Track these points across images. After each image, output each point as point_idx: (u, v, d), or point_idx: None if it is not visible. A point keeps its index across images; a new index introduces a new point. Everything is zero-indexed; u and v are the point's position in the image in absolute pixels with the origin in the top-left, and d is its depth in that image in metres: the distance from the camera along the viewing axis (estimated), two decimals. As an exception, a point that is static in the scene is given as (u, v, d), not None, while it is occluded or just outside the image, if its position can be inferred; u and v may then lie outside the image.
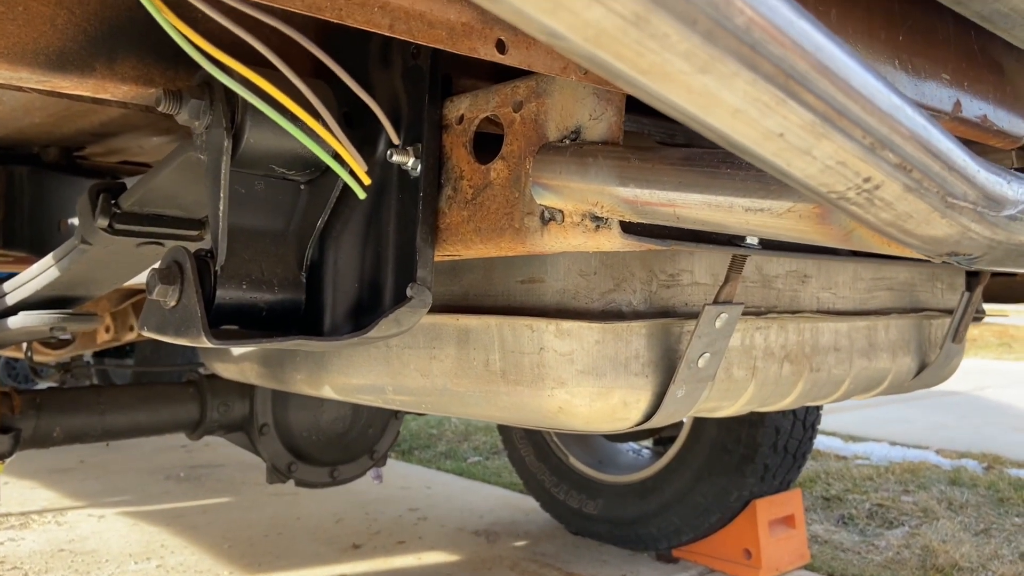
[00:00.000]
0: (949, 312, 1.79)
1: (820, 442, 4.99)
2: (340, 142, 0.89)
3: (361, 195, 0.94)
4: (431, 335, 1.31)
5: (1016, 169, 1.28)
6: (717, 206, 0.74)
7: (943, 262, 0.62)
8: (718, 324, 1.15)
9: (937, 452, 4.92)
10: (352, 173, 0.92)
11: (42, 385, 4.10)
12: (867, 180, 0.47)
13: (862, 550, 3.30)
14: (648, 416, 1.20)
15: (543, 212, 0.92)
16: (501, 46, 0.73)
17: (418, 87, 1.02)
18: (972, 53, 0.99)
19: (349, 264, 1.07)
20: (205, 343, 0.94)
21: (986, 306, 2.22)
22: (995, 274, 2.02)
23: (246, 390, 2.39)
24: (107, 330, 3.08)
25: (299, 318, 1.07)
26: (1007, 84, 1.06)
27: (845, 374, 1.54)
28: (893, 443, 5.15)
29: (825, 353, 1.49)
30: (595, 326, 1.13)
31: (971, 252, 0.57)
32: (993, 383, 8.27)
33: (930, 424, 5.97)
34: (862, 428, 5.70)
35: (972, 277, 1.81)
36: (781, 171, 0.46)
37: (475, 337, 1.24)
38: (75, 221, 1.84)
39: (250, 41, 0.78)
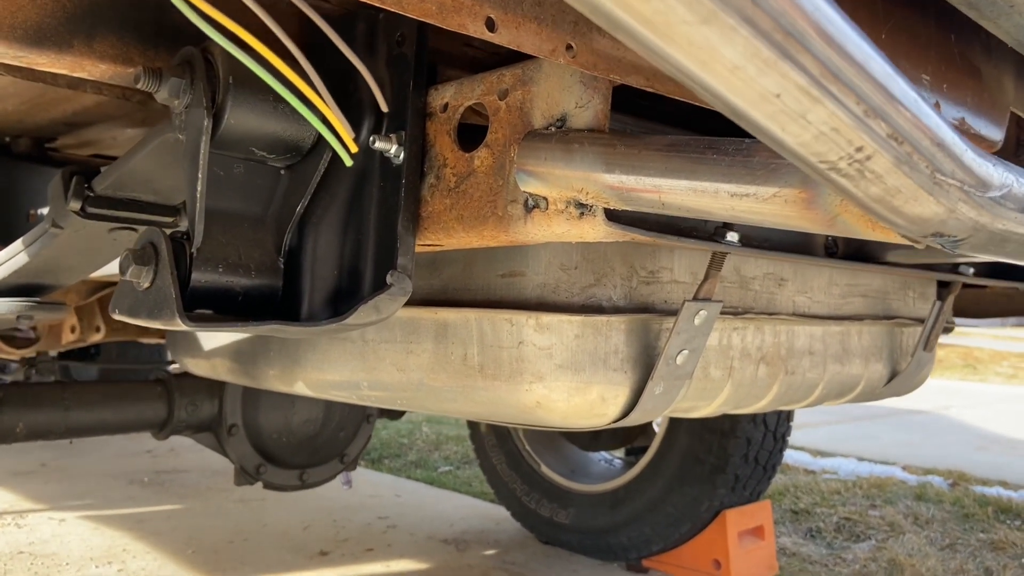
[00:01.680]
0: (920, 321, 1.81)
1: (789, 456, 5.03)
2: (328, 106, 0.88)
3: (348, 162, 0.94)
4: (408, 329, 1.30)
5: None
6: (703, 191, 0.74)
7: (927, 246, 0.62)
8: (697, 321, 1.16)
9: (903, 468, 4.97)
10: (340, 141, 0.91)
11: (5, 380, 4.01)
12: (859, 150, 0.47)
13: (829, 563, 3.31)
14: (626, 412, 1.20)
15: (527, 200, 0.92)
16: (491, 24, 0.72)
17: (403, 74, 1.02)
18: (952, 56, 1.01)
19: (328, 251, 1.05)
20: (179, 325, 0.92)
21: (954, 325, 2.25)
22: (965, 286, 2.05)
23: (215, 389, 2.35)
24: (72, 330, 3.02)
25: (276, 304, 1.06)
26: (984, 89, 1.08)
27: (819, 378, 1.56)
28: (860, 458, 5.20)
29: (800, 356, 1.50)
30: (575, 320, 1.12)
31: (956, 234, 0.57)
32: (958, 403, 8.39)
33: (896, 441, 6.04)
34: (830, 443, 5.75)
35: (943, 287, 1.83)
36: (775, 138, 0.46)
37: (453, 331, 1.23)
38: (44, 211, 1.81)
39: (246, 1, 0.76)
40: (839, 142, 0.46)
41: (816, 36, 0.40)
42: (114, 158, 1.99)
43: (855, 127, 0.45)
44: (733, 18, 0.37)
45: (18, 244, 1.33)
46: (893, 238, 0.64)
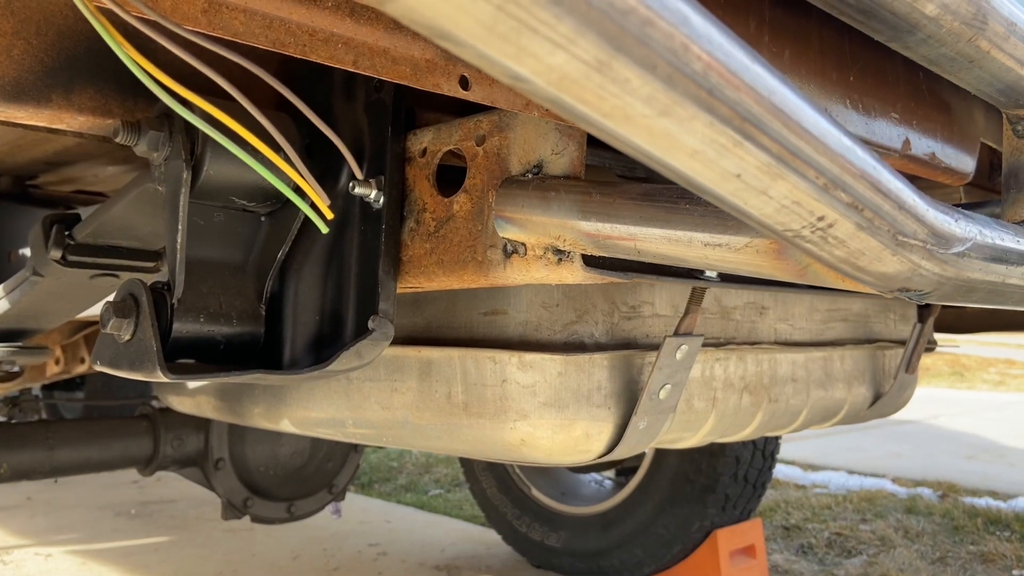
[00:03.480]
0: (902, 343, 1.83)
1: (779, 471, 5.03)
2: (302, 176, 0.88)
3: (323, 229, 0.94)
4: (393, 367, 1.30)
5: (962, 205, 1.32)
6: (677, 241, 0.76)
7: (895, 297, 0.63)
8: (679, 355, 1.17)
9: (893, 481, 4.99)
10: (314, 207, 0.92)
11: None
12: (821, 219, 0.48)
13: (822, 579, 3.32)
14: (610, 448, 1.20)
15: (506, 245, 0.93)
16: (464, 83, 0.73)
17: (381, 120, 1.03)
18: (920, 93, 1.03)
19: (310, 297, 1.06)
20: (160, 378, 0.92)
21: (937, 336, 2.28)
22: (946, 306, 2.08)
23: (201, 424, 2.34)
24: (57, 362, 3.00)
25: (258, 351, 1.06)
26: (954, 123, 1.10)
27: (802, 404, 1.57)
28: (850, 471, 5.22)
29: (783, 384, 1.51)
30: (558, 358, 1.13)
31: (921, 288, 0.58)
32: (946, 412, 8.43)
33: (885, 453, 6.06)
34: (820, 457, 5.76)
35: (924, 309, 1.85)
36: (739, 210, 0.47)
37: (437, 369, 1.24)
38: (27, 251, 1.80)
39: (210, 75, 0.77)
40: (801, 213, 0.47)
41: (773, 118, 0.41)
42: (96, 194, 2.00)
43: (816, 198, 0.46)
44: (690, 109, 0.38)
45: (-1, 291, 1.32)
46: (863, 289, 0.65)
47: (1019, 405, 9.32)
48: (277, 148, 0.86)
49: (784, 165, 0.43)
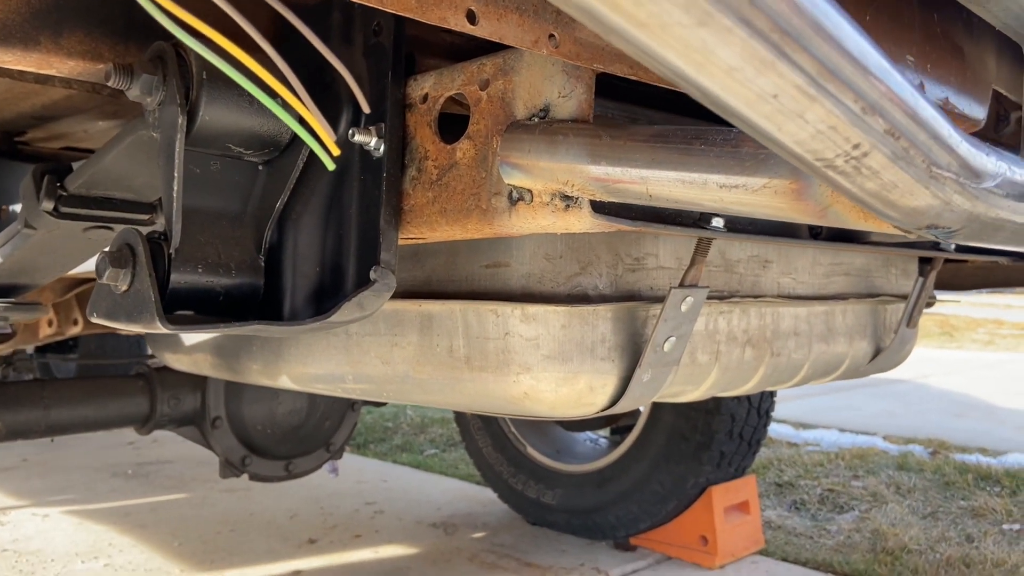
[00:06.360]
0: (903, 297, 1.82)
1: (771, 429, 5.07)
2: (308, 108, 0.85)
3: (330, 166, 0.91)
4: (393, 321, 1.28)
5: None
6: (691, 183, 0.73)
7: (918, 237, 0.62)
8: (684, 307, 1.15)
9: (884, 438, 5.04)
10: (320, 144, 0.89)
11: (-19, 381, 3.94)
12: (856, 147, 0.46)
13: (814, 535, 3.36)
14: (614, 401, 1.19)
15: (511, 192, 0.90)
16: (472, 16, 0.71)
17: (380, 65, 0.99)
18: (935, 36, 1.00)
19: (310, 247, 1.03)
20: (159, 328, 0.90)
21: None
22: (947, 260, 2.07)
23: (198, 382, 2.33)
24: (50, 324, 2.97)
25: (258, 303, 1.04)
26: (967, 68, 1.07)
27: (804, 358, 1.56)
28: (842, 430, 5.26)
29: (785, 338, 1.50)
30: (561, 310, 1.11)
31: (950, 225, 0.57)
32: (936, 371, 8.51)
33: (877, 411, 6.11)
34: (812, 415, 5.81)
35: (925, 263, 1.84)
36: (771, 137, 0.45)
37: (438, 323, 1.22)
38: (16, 208, 1.77)
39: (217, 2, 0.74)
40: (836, 140, 0.45)
41: (813, 34, 0.39)
42: (86, 151, 1.96)
43: (853, 124, 0.44)
44: (729, 19, 0.36)
45: (-10, 245, 1.29)
46: (886, 228, 0.63)
47: (1008, 364, 9.42)
48: (282, 80, 0.83)
49: (823, 86, 0.41)
